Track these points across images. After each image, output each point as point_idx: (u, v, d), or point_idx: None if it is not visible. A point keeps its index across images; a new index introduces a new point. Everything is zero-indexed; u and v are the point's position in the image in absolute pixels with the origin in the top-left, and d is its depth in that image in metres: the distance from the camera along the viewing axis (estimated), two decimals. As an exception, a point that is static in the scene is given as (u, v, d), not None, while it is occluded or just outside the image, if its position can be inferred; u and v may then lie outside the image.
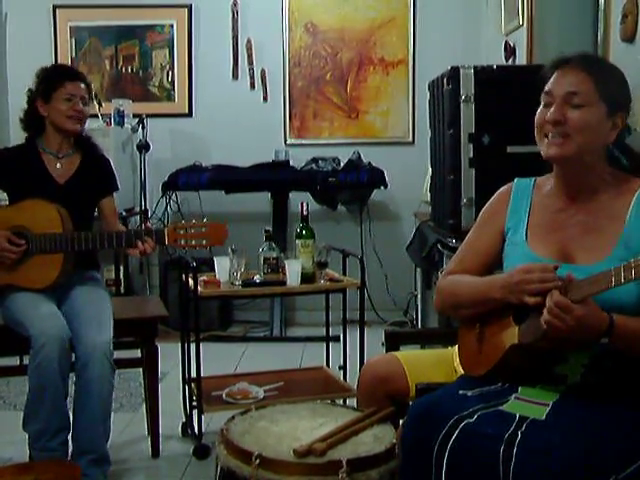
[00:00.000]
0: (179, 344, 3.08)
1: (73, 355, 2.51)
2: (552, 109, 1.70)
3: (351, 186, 4.70)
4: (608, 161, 1.76)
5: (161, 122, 4.97)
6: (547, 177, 1.85)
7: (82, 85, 2.76)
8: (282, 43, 5.04)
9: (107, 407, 2.54)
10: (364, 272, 3.01)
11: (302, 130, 5.11)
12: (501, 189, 1.93)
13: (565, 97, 1.69)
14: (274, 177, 4.72)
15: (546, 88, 1.74)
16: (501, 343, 1.72)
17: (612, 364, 1.64)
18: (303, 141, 5.09)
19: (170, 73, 5.11)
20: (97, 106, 4.50)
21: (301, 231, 2.97)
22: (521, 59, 3.98)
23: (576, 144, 1.68)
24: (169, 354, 3.19)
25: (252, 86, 5.07)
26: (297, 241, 2.98)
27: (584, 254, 1.70)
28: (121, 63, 5.13)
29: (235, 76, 5.07)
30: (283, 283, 2.91)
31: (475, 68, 2.96)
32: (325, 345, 3.36)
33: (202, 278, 2.93)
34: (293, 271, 2.88)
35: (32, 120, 2.77)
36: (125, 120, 4.74)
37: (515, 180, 1.91)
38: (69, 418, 2.54)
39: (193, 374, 2.91)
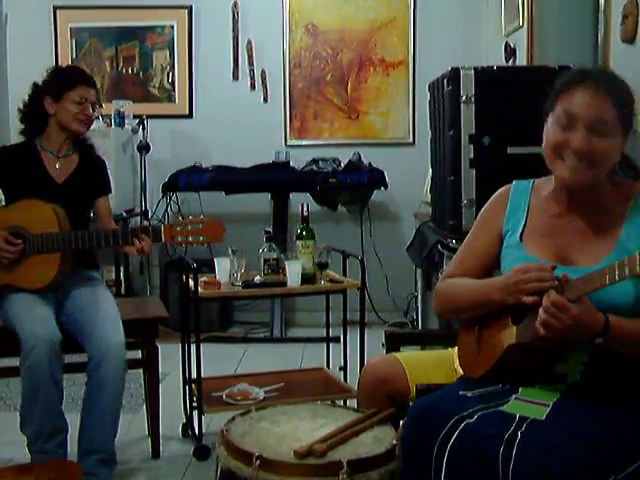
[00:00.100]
0: (179, 345, 3.08)
1: (62, 356, 2.50)
2: (577, 136, 1.64)
3: (351, 187, 4.70)
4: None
5: (161, 123, 4.97)
6: (546, 179, 1.84)
7: (93, 91, 2.79)
8: (282, 44, 5.04)
9: (118, 407, 2.55)
10: (364, 273, 3.01)
11: (302, 131, 5.11)
12: (499, 191, 1.92)
13: (591, 125, 1.64)
14: (274, 178, 4.72)
15: (567, 108, 1.66)
16: (500, 343, 1.72)
17: (612, 362, 1.65)
18: (303, 142, 5.09)
19: (170, 74, 5.11)
20: (98, 106, 4.50)
21: (301, 232, 2.97)
22: (521, 60, 3.98)
23: (597, 171, 1.67)
24: (169, 355, 3.19)
25: (252, 87, 5.07)
26: (297, 242, 2.98)
27: (582, 257, 1.70)
28: (121, 64, 5.13)
29: (235, 77, 5.07)
30: (283, 284, 2.91)
31: (475, 69, 2.96)
32: (325, 346, 3.36)
33: (202, 279, 2.93)
34: (293, 272, 2.88)
35: (33, 114, 2.77)
36: (125, 121, 4.74)
37: (513, 182, 1.90)
38: (65, 420, 2.54)
39: (193, 375, 2.91)
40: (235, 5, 4.99)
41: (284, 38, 5.03)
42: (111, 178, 2.96)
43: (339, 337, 3.24)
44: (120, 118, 4.70)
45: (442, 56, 4.62)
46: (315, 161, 4.78)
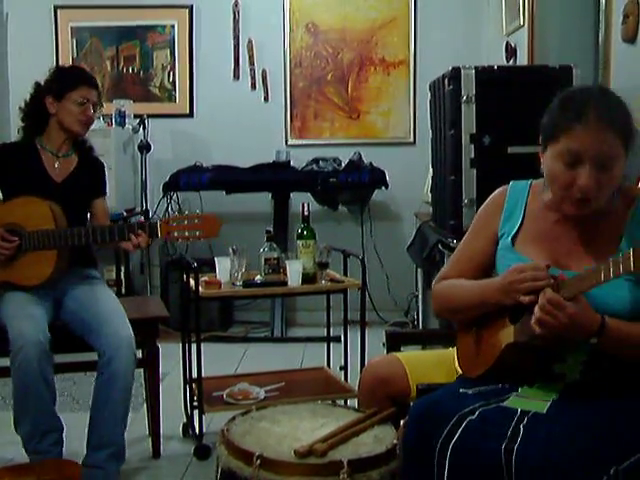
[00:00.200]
0: (180, 344, 3.08)
1: (52, 356, 2.49)
2: (584, 174, 1.60)
3: (352, 186, 4.70)
4: None
5: (162, 122, 4.97)
6: (543, 181, 1.81)
7: (95, 92, 2.78)
8: (283, 43, 5.04)
9: (128, 402, 2.56)
10: (365, 272, 3.01)
11: (303, 130, 5.11)
12: (496, 192, 1.91)
13: (598, 161, 1.60)
14: (275, 177, 4.72)
15: (570, 147, 1.61)
16: (498, 342, 1.72)
17: (611, 361, 1.65)
18: (304, 141, 5.09)
19: (171, 73, 5.11)
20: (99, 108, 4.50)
21: (302, 231, 2.97)
22: (522, 59, 3.99)
23: (603, 200, 1.66)
24: (170, 354, 3.19)
25: (253, 86, 5.07)
26: (298, 241, 2.98)
27: (579, 265, 1.69)
28: (122, 63, 5.13)
29: (236, 76, 5.07)
30: (284, 283, 2.91)
31: (476, 68, 2.96)
32: (326, 345, 3.36)
33: (203, 278, 2.93)
34: (294, 271, 2.88)
35: (34, 113, 2.77)
36: (126, 120, 4.73)
37: (510, 184, 1.89)
38: (59, 419, 2.54)
39: (194, 374, 2.92)
40: (236, 4, 4.99)
41: (285, 37, 5.03)
42: (112, 178, 2.98)
43: (340, 337, 3.24)
44: (121, 117, 4.70)
45: (443, 56, 4.63)
46: (316, 161, 4.78)
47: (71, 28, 5.07)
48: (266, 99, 5.08)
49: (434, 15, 4.97)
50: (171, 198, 4.87)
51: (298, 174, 4.72)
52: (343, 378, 3.16)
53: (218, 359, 3.74)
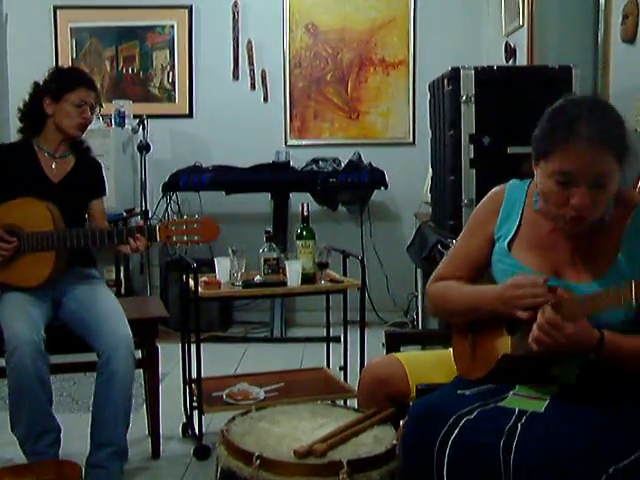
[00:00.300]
0: (179, 345, 3.08)
1: (48, 356, 2.49)
2: (578, 194, 1.56)
3: (352, 187, 4.70)
4: None
5: (161, 123, 4.97)
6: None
7: (93, 94, 2.78)
8: (283, 44, 5.04)
9: (129, 401, 2.56)
10: (364, 273, 3.01)
11: (302, 131, 5.11)
12: (492, 192, 1.88)
13: (592, 180, 1.56)
14: (274, 178, 4.72)
15: (563, 167, 1.57)
16: (494, 350, 1.72)
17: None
18: (303, 142, 5.09)
19: (171, 74, 5.11)
20: (98, 107, 4.50)
21: (301, 232, 2.97)
22: (522, 60, 3.99)
23: (599, 214, 1.63)
24: (169, 355, 3.19)
25: (253, 87, 5.07)
26: (297, 242, 2.97)
27: (576, 274, 1.68)
28: (122, 64, 5.13)
29: (236, 77, 5.07)
30: (283, 284, 2.91)
31: (476, 69, 2.97)
32: (325, 346, 3.36)
33: (203, 279, 2.93)
34: (293, 272, 2.88)
35: (32, 113, 2.77)
36: (126, 121, 4.73)
37: (508, 184, 1.85)
38: (55, 419, 2.55)
39: (193, 375, 2.91)
40: (235, 5, 4.99)
41: (284, 38, 5.03)
42: (111, 178, 2.97)
43: (339, 337, 3.24)
44: (120, 118, 4.70)
45: (442, 56, 4.63)
46: (315, 161, 4.78)
47: (70, 28, 5.07)
48: (266, 99, 5.08)
49: (434, 15, 4.97)
50: (170, 198, 4.86)
51: (298, 174, 4.72)
52: (343, 378, 3.16)
53: (218, 359, 3.75)
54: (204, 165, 4.81)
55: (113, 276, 4.63)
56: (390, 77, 5.05)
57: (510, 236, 1.78)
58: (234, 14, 5.00)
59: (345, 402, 2.93)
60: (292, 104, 5.09)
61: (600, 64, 3.26)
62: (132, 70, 5.13)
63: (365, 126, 5.09)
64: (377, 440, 1.84)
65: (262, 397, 2.91)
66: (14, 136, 2.91)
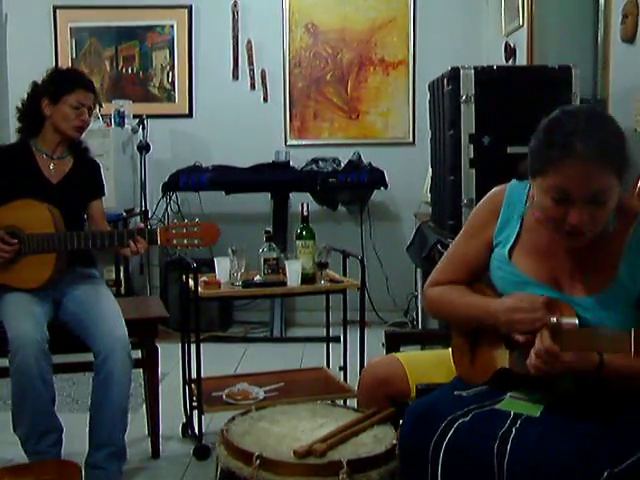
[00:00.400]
0: (179, 345, 3.08)
1: (51, 356, 2.48)
2: (575, 212, 1.51)
3: (351, 187, 4.70)
4: None
5: (161, 123, 4.97)
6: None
7: (91, 95, 2.77)
8: (282, 43, 5.04)
9: (126, 401, 2.56)
10: (364, 273, 3.00)
11: (302, 131, 5.11)
12: (492, 193, 1.84)
13: (590, 198, 1.51)
14: (274, 178, 4.72)
15: (559, 184, 1.51)
16: (493, 361, 1.71)
17: None
18: (303, 142, 5.09)
19: (170, 74, 5.11)
20: (98, 107, 4.51)
21: (301, 232, 2.97)
22: (521, 60, 3.99)
23: (598, 230, 1.58)
24: (169, 355, 3.19)
25: (252, 87, 5.07)
26: (297, 242, 2.98)
27: (575, 286, 1.65)
28: (121, 64, 5.13)
29: (235, 77, 5.07)
30: (283, 284, 2.91)
31: (475, 69, 2.97)
32: (325, 346, 3.36)
33: (202, 279, 2.93)
34: (293, 272, 2.88)
35: (30, 114, 2.77)
36: (125, 121, 4.73)
37: (509, 184, 1.81)
38: (58, 419, 2.55)
39: (193, 375, 2.91)
40: (235, 5, 4.99)
41: (284, 38, 5.03)
42: (111, 178, 2.97)
43: (339, 337, 3.24)
44: (120, 118, 4.70)
45: (442, 56, 4.63)
46: (315, 161, 4.78)
47: (70, 28, 5.07)
48: (265, 99, 5.08)
49: (433, 15, 4.97)
50: (170, 198, 4.87)
51: (297, 174, 4.72)
52: (342, 378, 3.16)
53: (217, 359, 3.75)
54: (204, 165, 4.81)
55: (113, 276, 4.64)
56: (390, 77, 5.05)
57: (510, 243, 1.75)
58: (234, 14, 5.00)
59: (345, 402, 2.93)
60: (292, 104, 5.09)
61: (600, 64, 3.26)
62: (132, 70, 5.13)
63: (365, 126, 5.09)
64: (377, 440, 1.84)
65: (262, 397, 2.91)
66: (14, 136, 2.91)
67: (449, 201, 3.08)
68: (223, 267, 2.94)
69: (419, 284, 4.28)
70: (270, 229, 3.07)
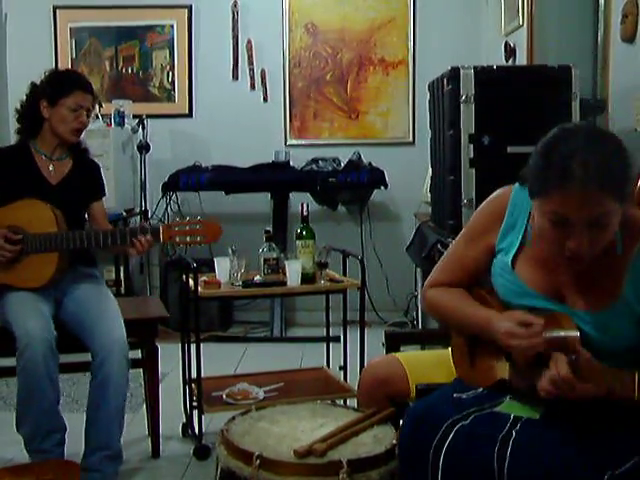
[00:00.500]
0: (179, 344, 3.08)
1: (58, 355, 2.49)
2: (575, 237, 1.48)
3: (351, 186, 4.70)
4: None
5: (161, 123, 4.97)
6: None
7: (90, 97, 2.77)
8: (282, 43, 5.04)
9: (123, 403, 2.56)
10: (364, 272, 3.00)
11: (302, 130, 5.11)
12: (497, 195, 1.81)
13: (590, 223, 1.46)
14: (274, 177, 4.71)
15: (557, 210, 1.47)
16: (492, 370, 1.70)
17: None
18: (303, 141, 5.09)
19: (170, 74, 5.11)
20: (97, 107, 4.51)
21: (301, 231, 2.97)
22: (521, 59, 3.99)
23: (599, 251, 1.54)
24: (169, 354, 3.19)
25: (252, 86, 5.07)
26: (297, 241, 2.98)
27: (579, 301, 1.62)
28: (121, 64, 5.13)
29: (235, 77, 5.07)
30: (283, 284, 2.91)
31: (475, 68, 2.96)
32: (325, 346, 3.36)
33: (202, 279, 2.93)
34: (293, 271, 2.88)
35: (29, 115, 2.76)
36: (125, 121, 4.74)
37: (513, 188, 1.74)
38: (62, 419, 2.54)
39: (193, 375, 2.91)
40: (235, 5, 4.99)
41: (284, 38, 5.03)
42: (111, 178, 2.97)
43: (339, 337, 3.24)
44: (120, 118, 4.70)
45: (442, 55, 4.63)
46: (315, 161, 4.78)
47: (70, 28, 5.07)
48: (265, 99, 5.08)
49: (433, 15, 4.97)
50: (170, 198, 4.87)
51: (297, 174, 4.72)
52: (342, 378, 3.16)
53: (217, 359, 3.75)
54: (204, 165, 4.81)
55: (113, 276, 4.64)
56: (390, 77, 5.05)
57: (514, 251, 1.71)
58: (234, 14, 5.00)
59: (345, 402, 2.93)
60: (292, 104, 5.09)
61: (600, 64, 3.26)
62: (132, 70, 5.13)
63: (365, 126, 5.09)
64: (377, 440, 1.84)
65: (262, 397, 2.91)
66: (13, 137, 2.91)
67: (449, 201, 3.07)
68: (223, 267, 2.94)
69: (419, 284, 4.28)
70: (270, 229, 3.07)
